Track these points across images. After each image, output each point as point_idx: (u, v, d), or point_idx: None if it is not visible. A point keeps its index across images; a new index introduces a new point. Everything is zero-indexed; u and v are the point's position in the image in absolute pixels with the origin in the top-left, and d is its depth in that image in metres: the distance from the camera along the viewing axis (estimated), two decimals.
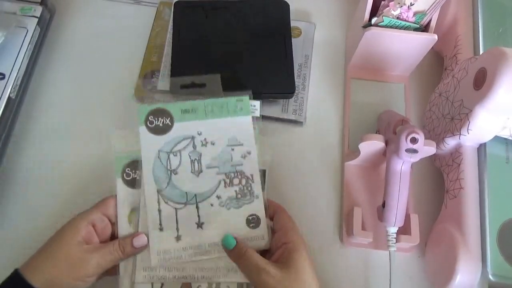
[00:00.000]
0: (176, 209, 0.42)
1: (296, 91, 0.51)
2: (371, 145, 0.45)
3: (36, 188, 0.48)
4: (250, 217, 0.42)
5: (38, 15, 0.52)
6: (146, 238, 0.40)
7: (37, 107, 0.52)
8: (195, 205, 0.42)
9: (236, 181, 0.43)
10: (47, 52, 0.55)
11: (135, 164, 0.43)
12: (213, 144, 0.44)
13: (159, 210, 0.41)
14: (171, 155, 0.43)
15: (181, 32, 0.51)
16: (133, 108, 0.52)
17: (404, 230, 0.45)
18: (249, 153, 0.44)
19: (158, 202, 0.42)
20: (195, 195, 0.42)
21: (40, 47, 0.54)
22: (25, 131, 0.51)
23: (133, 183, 0.43)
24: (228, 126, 0.44)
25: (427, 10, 0.47)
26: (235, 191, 0.43)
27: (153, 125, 0.44)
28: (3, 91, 0.48)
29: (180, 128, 0.44)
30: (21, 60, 0.50)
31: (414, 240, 0.44)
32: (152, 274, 0.40)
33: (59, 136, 0.51)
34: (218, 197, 0.42)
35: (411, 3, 0.46)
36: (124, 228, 0.41)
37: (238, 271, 0.41)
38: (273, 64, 0.50)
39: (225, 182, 0.43)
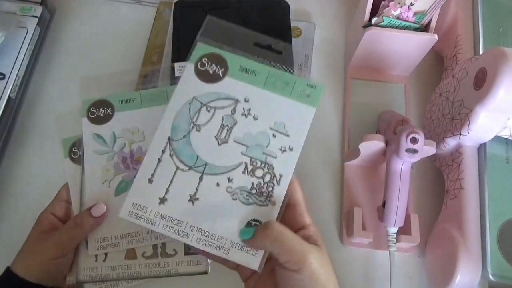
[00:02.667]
0: (177, 168, 0.36)
1: None
2: (371, 145, 0.44)
3: (36, 188, 0.48)
4: (253, 222, 0.34)
5: (38, 15, 0.52)
6: (104, 206, 0.39)
7: (37, 107, 0.52)
8: (199, 175, 0.35)
9: (259, 172, 0.36)
10: (47, 52, 0.55)
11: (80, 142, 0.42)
12: (255, 119, 0.37)
13: (159, 160, 0.36)
14: (204, 109, 0.37)
15: (181, 32, 0.51)
16: None
17: (404, 230, 0.45)
18: (291, 149, 0.36)
19: (163, 150, 0.36)
20: (206, 164, 0.36)
21: (40, 47, 0.54)
22: (25, 131, 0.51)
23: (80, 161, 0.41)
24: (282, 108, 0.37)
25: (427, 10, 0.47)
26: (252, 183, 0.35)
27: (203, 68, 0.38)
28: (3, 91, 0.48)
29: (229, 84, 0.38)
30: (21, 60, 0.50)
31: (414, 240, 0.44)
32: (104, 244, 0.39)
33: (59, 136, 0.51)
34: (230, 180, 0.35)
35: (411, 3, 0.46)
36: (76, 208, 0.40)
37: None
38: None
39: (246, 167, 0.36)
